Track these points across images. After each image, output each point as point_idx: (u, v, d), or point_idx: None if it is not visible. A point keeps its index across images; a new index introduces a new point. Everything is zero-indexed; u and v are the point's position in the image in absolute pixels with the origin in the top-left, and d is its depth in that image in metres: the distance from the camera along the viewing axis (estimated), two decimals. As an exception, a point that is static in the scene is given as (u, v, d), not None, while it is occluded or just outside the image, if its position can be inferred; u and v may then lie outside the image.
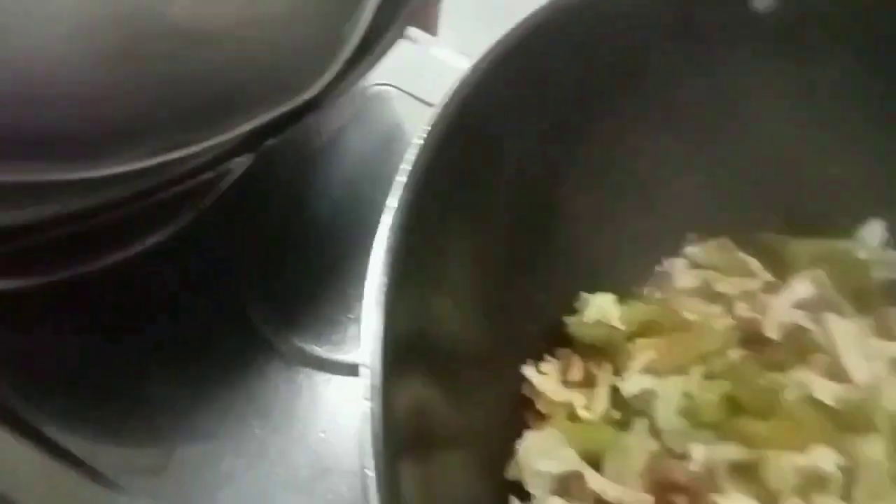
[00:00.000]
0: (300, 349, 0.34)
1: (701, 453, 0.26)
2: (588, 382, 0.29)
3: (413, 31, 0.46)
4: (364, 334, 0.21)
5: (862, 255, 0.32)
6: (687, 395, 0.27)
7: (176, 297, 0.35)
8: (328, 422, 0.33)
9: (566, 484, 0.27)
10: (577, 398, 0.28)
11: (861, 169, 0.32)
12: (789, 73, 0.32)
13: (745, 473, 0.26)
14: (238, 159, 0.31)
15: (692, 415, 0.27)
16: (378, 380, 0.20)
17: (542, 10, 0.28)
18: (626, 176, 0.32)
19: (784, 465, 0.25)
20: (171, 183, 0.27)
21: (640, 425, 0.27)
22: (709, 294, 0.32)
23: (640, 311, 0.30)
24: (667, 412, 0.27)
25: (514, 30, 0.27)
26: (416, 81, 0.44)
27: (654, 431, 0.27)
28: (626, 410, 0.28)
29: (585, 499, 0.27)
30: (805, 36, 0.31)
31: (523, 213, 0.29)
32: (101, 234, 0.34)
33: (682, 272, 0.33)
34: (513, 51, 0.27)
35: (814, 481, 0.25)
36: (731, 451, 0.26)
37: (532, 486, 0.27)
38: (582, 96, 0.30)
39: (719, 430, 0.26)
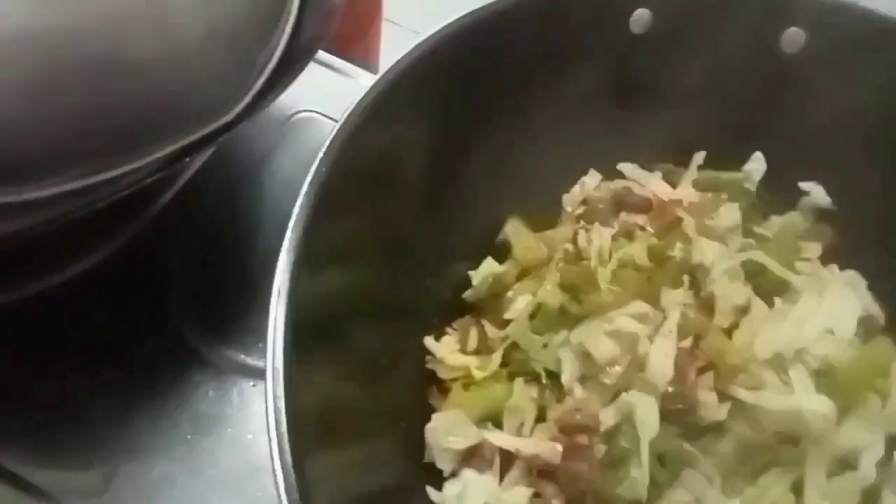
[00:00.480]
0: (229, 358, 0.36)
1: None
2: (485, 349, 0.32)
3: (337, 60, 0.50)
4: (269, 324, 0.24)
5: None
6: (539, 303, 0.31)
7: (110, 315, 0.37)
8: (256, 424, 0.35)
9: (475, 453, 0.30)
10: (471, 361, 0.31)
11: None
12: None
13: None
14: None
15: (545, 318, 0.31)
16: (280, 363, 0.23)
17: (430, 37, 0.32)
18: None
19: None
20: (94, 204, 0.29)
21: (518, 380, 0.31)
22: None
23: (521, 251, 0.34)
24: (521, 323, 0.31)
25: (409, 53, 0.31)
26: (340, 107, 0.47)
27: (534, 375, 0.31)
28: (515, 363, 0.32)
29: (493, 460, 0.30)
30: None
31: (417, 211, 0.33)
32: (35, 258, 0.36)
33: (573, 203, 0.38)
34: (404, 74, 0.30)
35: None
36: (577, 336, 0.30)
37: (443, 464, 0.30)
38: (468, 112, 0.34)
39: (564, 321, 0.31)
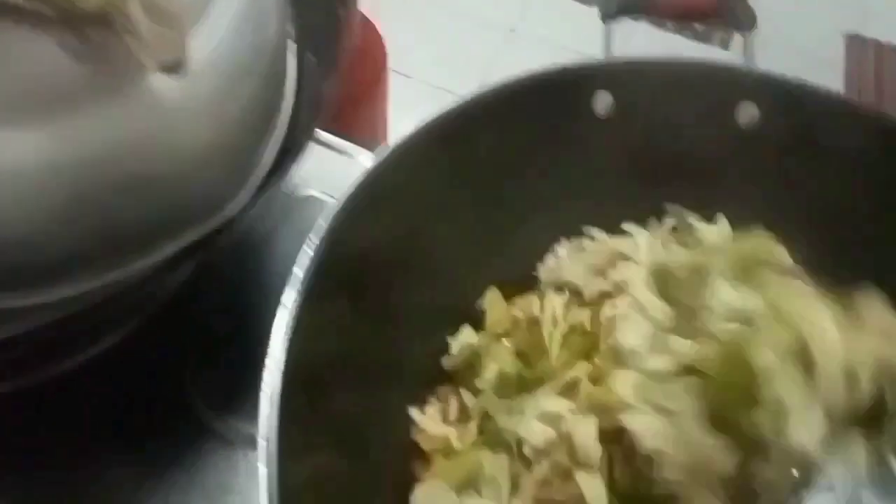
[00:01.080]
0: (236, 429, 0.39)
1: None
2: (465, 418, 0.35)
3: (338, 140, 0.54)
4: (262, 396, 0.27)
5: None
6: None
7: (118, 393, 0.40)
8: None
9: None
10: (451, 431, 0.34)
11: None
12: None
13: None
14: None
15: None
16: (274, 447, 0.26)
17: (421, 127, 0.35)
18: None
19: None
20: (110, 300, 0.33)
21: (485, 451, 0.33)
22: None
23: (495, 320, 0.37)
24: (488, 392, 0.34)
25: (399, 144, 0.35)
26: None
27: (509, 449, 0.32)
28: (488, 432, 0.34)
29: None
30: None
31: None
32: (54, 345, 0.39)
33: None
34: (396, 161, 0.34)
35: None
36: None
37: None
38: (454, 192, 0.37)
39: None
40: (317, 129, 0.41)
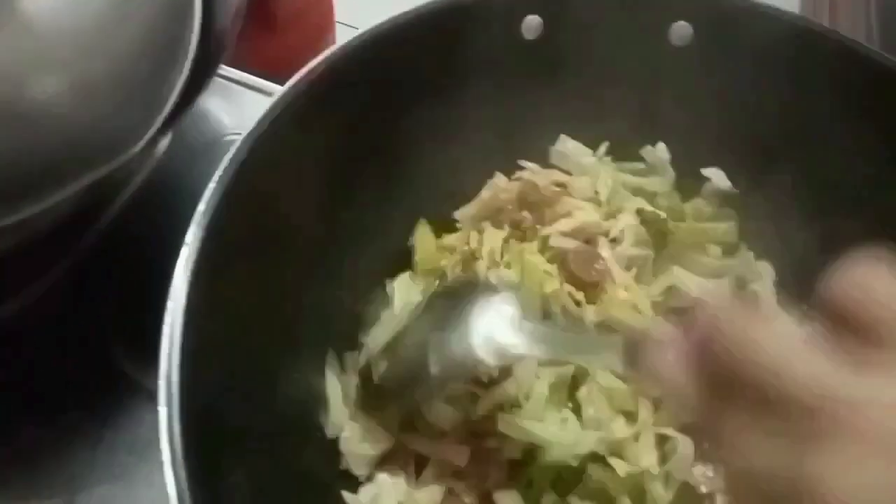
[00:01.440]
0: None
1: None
2: None
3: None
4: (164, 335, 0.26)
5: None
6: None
7: (41, 349, 0.38)
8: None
9: (391, 458, 0.32)
10: None
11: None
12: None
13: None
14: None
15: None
16: (175, 388, 0.25)
17: (330, 55, 0.33)
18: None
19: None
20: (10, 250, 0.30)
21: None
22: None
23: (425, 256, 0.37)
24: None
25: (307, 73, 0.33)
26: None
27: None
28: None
29: (408, 463, 0.31)
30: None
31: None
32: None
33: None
34: (304, 92, 0.32)
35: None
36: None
37: (358, 469, 0.32)
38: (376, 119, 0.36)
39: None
40: (222, 65, 0.39)
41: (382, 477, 0.32)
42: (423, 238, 0.37)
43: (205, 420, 0.26)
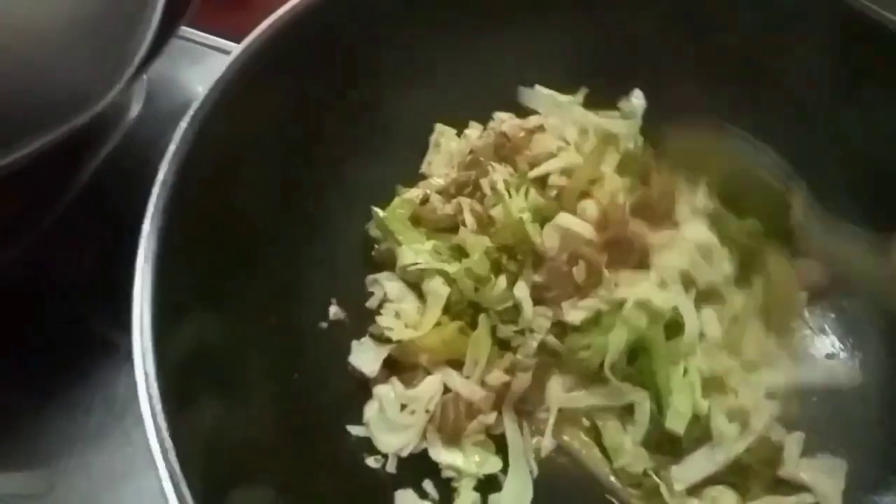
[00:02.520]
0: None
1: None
2: None
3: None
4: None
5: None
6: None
7: (16, 315, 0.37)
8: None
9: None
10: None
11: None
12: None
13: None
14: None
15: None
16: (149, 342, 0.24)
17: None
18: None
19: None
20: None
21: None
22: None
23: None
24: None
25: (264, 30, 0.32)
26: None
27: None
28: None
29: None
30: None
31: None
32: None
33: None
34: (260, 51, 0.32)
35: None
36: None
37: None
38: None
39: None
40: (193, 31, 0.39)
41: (380, 389, 0.34)
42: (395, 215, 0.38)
43: (180, 372, 0.25)
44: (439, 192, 0.39)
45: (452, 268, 0.36)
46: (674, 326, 0.34)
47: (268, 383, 0.31)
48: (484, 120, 0.40)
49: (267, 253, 0.33)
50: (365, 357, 0.35)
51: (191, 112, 0.29)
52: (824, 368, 0.38)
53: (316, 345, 0.35)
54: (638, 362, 0.34)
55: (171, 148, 0.28)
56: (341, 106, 0.36)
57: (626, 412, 0.35)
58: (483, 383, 0.35)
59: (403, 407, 0.34)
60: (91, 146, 0.40)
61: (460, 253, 0.37)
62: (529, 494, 0.34)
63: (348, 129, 0.36)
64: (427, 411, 0.34)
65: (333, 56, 0.35)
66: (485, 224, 0.37)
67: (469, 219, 0.37)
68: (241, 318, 0.31)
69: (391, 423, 0.34)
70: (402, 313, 0.37)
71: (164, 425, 0.24)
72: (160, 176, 0.28)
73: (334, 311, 0.37)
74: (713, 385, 0.34)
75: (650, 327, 0.33)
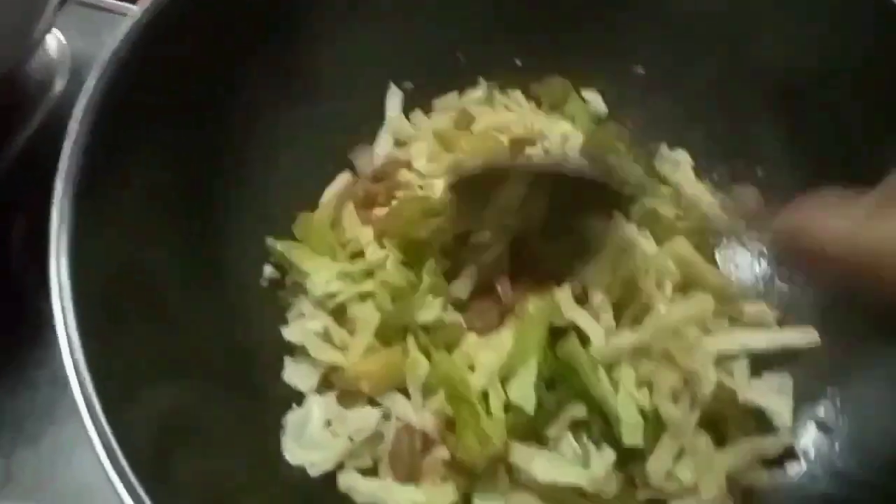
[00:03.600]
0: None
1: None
2: None
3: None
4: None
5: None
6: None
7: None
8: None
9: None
10: None
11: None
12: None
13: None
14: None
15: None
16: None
17: None
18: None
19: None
20: None
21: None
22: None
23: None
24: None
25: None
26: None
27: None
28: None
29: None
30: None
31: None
32: None
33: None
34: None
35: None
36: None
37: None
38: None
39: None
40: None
41: (312, 398, 0.33)
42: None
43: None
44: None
45: (367, 285, 0.34)
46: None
47: (197, 316, 0.32)
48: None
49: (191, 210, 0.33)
50: (299, 374, 0.34)
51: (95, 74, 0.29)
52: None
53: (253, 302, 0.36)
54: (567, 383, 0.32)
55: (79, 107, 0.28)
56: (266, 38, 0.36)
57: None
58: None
59: (328, 424, 0.33)
60: (14, 123, 0.40)
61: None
62: None
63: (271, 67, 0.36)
64: (350, 439, 0.32)
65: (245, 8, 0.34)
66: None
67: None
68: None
69: (307, 437, 0.33)
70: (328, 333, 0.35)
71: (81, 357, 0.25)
72: (70, 136, 0.27)
73: (269, 270, 0.37)
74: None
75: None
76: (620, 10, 0.40)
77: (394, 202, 0.38)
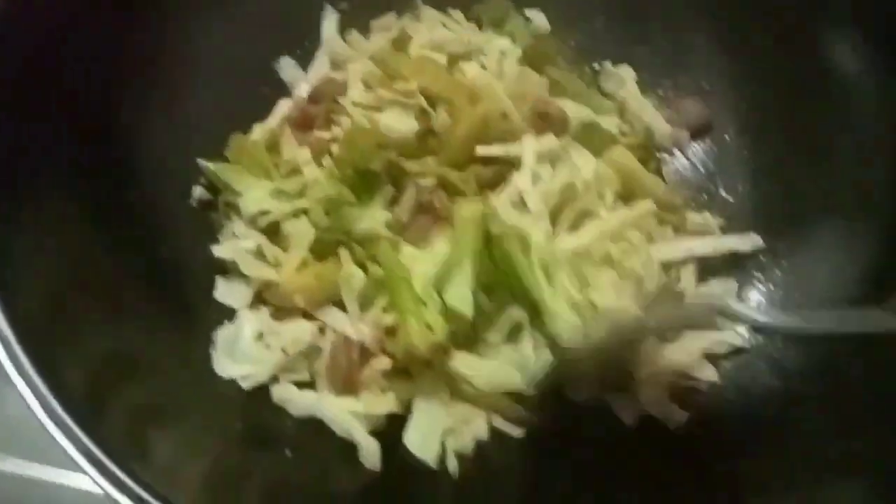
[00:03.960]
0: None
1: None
2: None
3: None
4: None
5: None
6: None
7: None
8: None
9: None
10: None
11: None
12: None
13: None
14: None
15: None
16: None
17: None
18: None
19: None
20: None
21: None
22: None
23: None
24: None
25: None
26: None
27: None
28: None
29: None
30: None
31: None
32: None
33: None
34: None
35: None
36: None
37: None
38: None
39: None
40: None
41: (243, 313, 0.32)
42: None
43: None
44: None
45: (301, 203, 0.33)
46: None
47: (121, 238, 0.31)
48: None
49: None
50: (231, 292, 0.33)
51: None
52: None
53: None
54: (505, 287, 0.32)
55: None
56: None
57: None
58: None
59: (260, 337, 0.32)
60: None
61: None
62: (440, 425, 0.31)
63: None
64: (284, 352, 0.31)
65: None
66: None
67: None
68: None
69: (239, 351, 0.32)
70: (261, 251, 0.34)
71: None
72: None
73: (199, 191, 0.36)
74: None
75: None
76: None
77: (335, 128, 0.37)
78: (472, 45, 0.40)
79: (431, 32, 0.41)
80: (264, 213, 0.34)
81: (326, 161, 0.35)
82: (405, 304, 0.30)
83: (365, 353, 0.31)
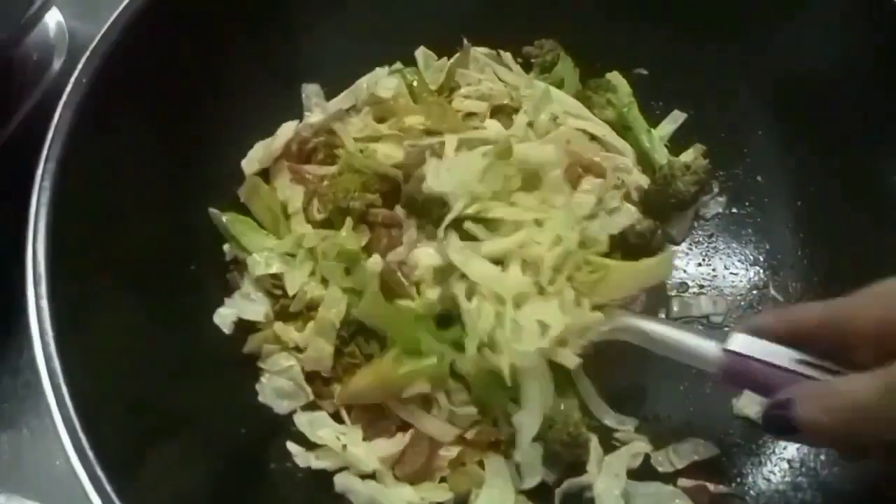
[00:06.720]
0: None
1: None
2: None
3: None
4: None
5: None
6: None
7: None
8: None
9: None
10: None
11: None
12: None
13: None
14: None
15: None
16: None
17: None
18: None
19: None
20: None
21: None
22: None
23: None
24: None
25: None
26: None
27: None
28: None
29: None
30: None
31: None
32: None
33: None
34: None
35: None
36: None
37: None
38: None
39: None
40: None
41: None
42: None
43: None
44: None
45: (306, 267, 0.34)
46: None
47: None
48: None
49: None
50: (278, 399, 0.34)
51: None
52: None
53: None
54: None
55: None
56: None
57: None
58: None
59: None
60: (12, 102, 0.41)
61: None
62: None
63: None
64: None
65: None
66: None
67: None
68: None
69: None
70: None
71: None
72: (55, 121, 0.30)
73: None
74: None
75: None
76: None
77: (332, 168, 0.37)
78: (517, 98, 0.39)
79: (479, 83, 0.39)
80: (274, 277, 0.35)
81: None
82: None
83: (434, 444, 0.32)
